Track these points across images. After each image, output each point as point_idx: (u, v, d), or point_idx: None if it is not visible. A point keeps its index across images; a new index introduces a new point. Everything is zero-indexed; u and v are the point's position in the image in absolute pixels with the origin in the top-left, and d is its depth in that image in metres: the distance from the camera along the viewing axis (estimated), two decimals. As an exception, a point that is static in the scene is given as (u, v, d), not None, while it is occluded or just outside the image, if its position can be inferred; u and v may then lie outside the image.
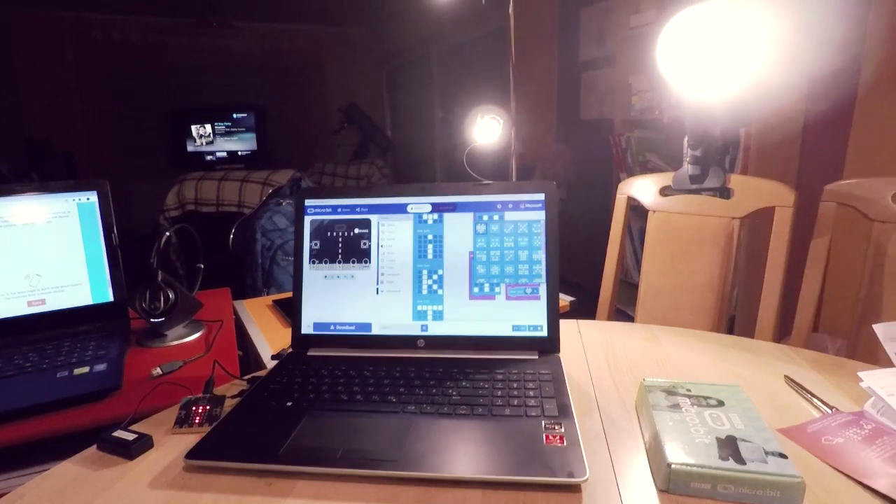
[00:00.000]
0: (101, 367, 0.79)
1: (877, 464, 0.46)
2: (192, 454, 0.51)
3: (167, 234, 0.92)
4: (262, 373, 0.70)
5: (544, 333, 0.69)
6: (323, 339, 0.73)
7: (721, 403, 0.53)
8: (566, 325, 0.84)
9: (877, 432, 0.50)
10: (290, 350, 0.73)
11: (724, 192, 1.04)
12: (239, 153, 4.98)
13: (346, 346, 0.72)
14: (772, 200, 0.97)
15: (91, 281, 0.95)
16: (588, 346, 0.77)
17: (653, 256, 1.12)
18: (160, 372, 0.79)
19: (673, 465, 0.44)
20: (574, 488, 0.45)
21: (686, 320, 1.06)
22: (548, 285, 0.70)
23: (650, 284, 1.12)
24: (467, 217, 0.72)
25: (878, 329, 0.58)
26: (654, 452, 0.48)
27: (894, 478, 0.44)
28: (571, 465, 0.46)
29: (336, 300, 0.73)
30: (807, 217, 0.98)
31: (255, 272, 1.84)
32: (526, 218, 0.71)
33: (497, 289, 0.70)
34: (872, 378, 0.55)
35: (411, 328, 0.71)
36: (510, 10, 1.48)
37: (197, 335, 0.96)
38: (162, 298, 0.90)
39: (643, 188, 1.14)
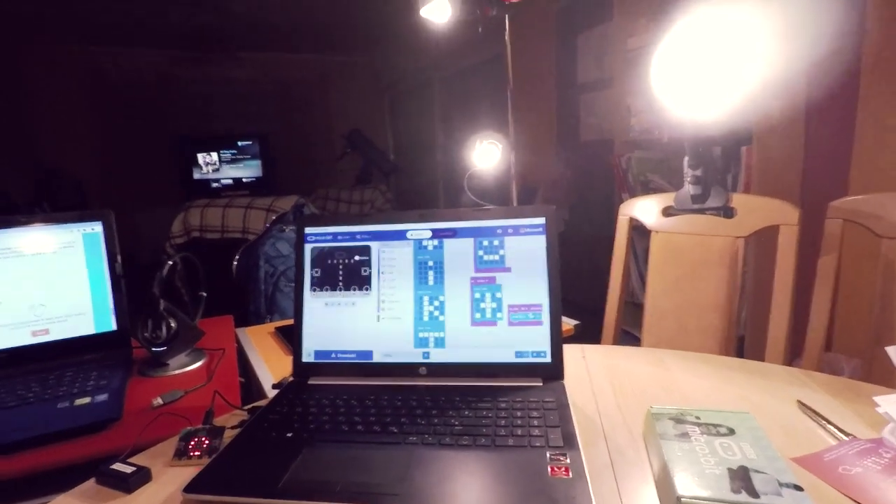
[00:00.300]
0: (102, 397, 0.78)
1: (896, 493, 0.44)
2: (190, 488, 0.50)
3: (169, 263, 0.92)
4: (262, 402, 0.69)
5: (548, 360, 0.68)
6: (324, 368, 0.72)
7: (731, 432, 0.51)
8: (570, 350, 0.83)
9: None
10: (291, 379, 0.72)
11: (726, 212, 1.04)
12: (244, 180, 5.04)
13: (347, 374, 0.71)
14: (776, 219, 0.96)
15: (94, 310, 0.95)
16: (593, 372, 0.75)
17: (657, 278, 1.11)
18: (161, 402, 0.78)
19: (683, 499, 0.42)
20: (581, 523, 0.44)
21: (693, 342, 1.04)
22: (550, 310, 0.69)
23: (655, 306, 1.11)
24: (467, 242, 0.72)
25: (892, 352, 0.56)
26: (663, 484, 0.46)
27: (914, 508, 0.42)
28: (577, 498, 0.45)
29: (337, 328, 0.72)
30: (814, 234, 0.97)
31: (258, 299, 1.84)
32: (527, 242, 0.71)
33: (499, 314, 0.70)
34: (890, 403, 0.53)
35: (413, 356, 0.70)
36: (506, 36, 1.50)
37: (199, 364, 0.95)
38: (164, 327, 0.89)
39: (645, 209, 1.14)
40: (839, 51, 1.46)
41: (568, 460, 0.50)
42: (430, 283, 0.72)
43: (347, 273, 0.74)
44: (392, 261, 0.73)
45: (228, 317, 1.22)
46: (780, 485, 0.43)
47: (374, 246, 0.74)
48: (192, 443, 0.59)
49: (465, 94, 4.07)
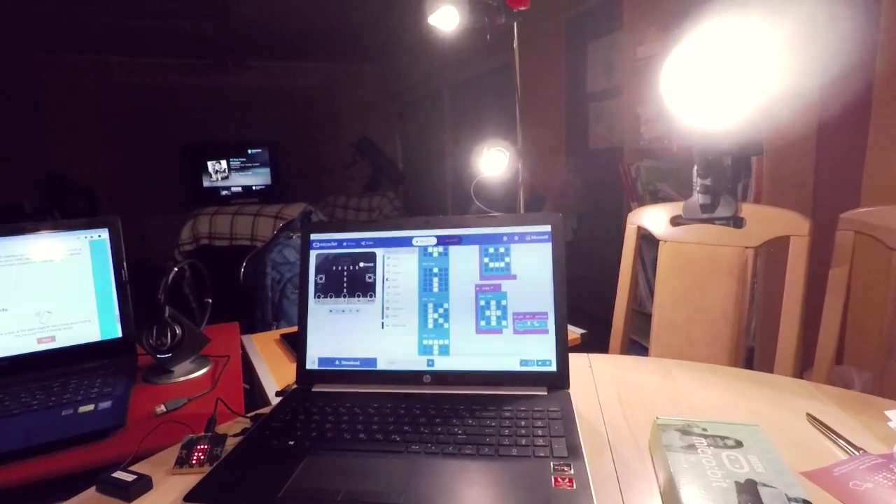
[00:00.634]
0: (105, 404, 0.78)
1: (909, 510, 0.43)
2: (190, 497, 0.50)
3: (175, 269, 0.92)
4: (265, 410, 0.68)
5: (553, 368, 0.67)
6: (327, 375, 0.71)
7: (739, 444, 0.50)
8: (577, 359, 0.82)
9: (908, 475, 0.47)
10: (295, 386, 0.72)
11: (736, 222, 1.02)
12: (253, 188, 5.08)
13: (350, 381, 0.71)
14: (786, 229, 0.95)
15: (100, 317, 0.96)
16: (599, 382, 0.74)
17: (665, 287, 1.10)
18: (164, 409, 0.78)
19: (689, 512, 0.41)
20: (584, 536, 0.43)
21: (701, 352, 1.03)
22: (556, 319, 0.68)
23: (663, 316, 1.10)
24: (473, 249, 0.72)
25: (903, 364, 0.55)
26: (669, 497, 0.45)
27: (929, 526, 0.41)
28: (581, 510, 0.44)
29: (341, 335, 0.72)
30: (825, 246, 0.95)
31: (264, 305, 1.85)
32: (532, 250, 0.70)
33: (504, 322, 0.69)
34: (900, 416, 0.52)
35: (417, 363, 0.70)
36: (515, 44, 1.50)
37: (204, 371, 0.95)
38: (169, 334, 0.89)
39: (654, 218, 1.13)
40: (852, 63, 1.45)
41: (572, 471, 0.49)
42: (435, 290, 0.71)
43: (352, 280, 0.73)
44: (397, 268, 0.73)
45: (234, 324, 1.22)
46: (789, 499, 0.42)
47: (379, 253, 0.74)
48: (194, 451, 0.58)
49: (473, 103, 4.09)
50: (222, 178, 4.99)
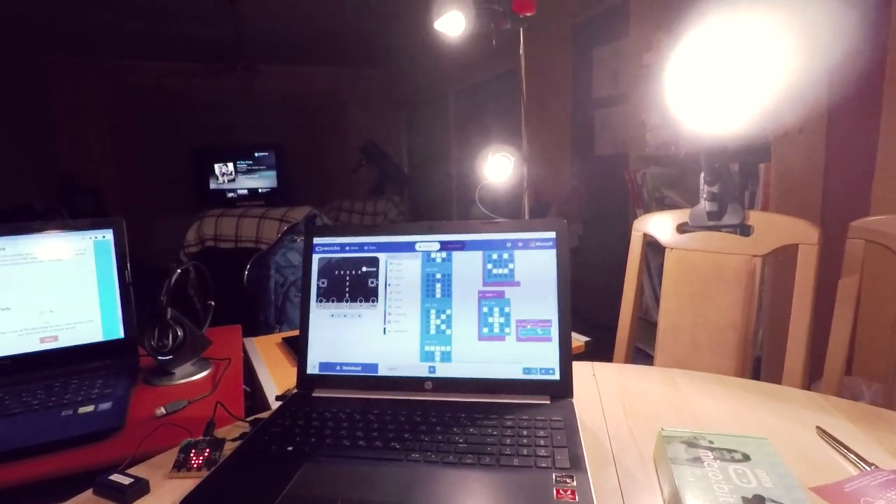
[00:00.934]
0: (105, 405, 0.78)
1: (923, 529, 0.42)
2: (187, 502, 0.49)
3: (178, 271, 0.92)
4: (264, 414, 0.68)
5: (556, 377, 0.66)
6: (328, 380, 0.71)
7: (747, 458, 0.49)
8: (581, 368, 0.81)
9: (921, 492, 0.46)
10: (295, 391, 0.71)
11: (743, 229, 1.01)
12: (259, 190, 5.10)
13: (351, 387, 0.70)
14: (794, 238, 0.93)
15: (103, 318, 0.96)
16: (603, 391, 0.73)
17: (671, 295, 1.09)
18: (164, 412, 0.78)
19: (694, 528, 0.40)
20: (587, 550, 0.42)
21: (707, 361, 1.01)
22: (560, 326, 0.67)
23: (669, 324, 1.08)
24: (476, 255, 0.71)
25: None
26: (674, 511, 0.44)
27: (944, 546, 0.40)
28: (584, 524, 0.43)
29: (342, 340, 0.71)
30: (835, 254, 0.94)
31: (267, 308, 1.84)
32: (536, 256, 0.69)
33: (507, 329, 0.68)
34: (912, 431, 0.51)
35: (418, 369, 0.69)
36: (521, 50, 1.50)
37: (205, 373, 0.94)
38: (170, 336, 0.89)
39: (659, 225, 1.12)
40: (861, 66, 1.43)
41: (574, 483, 0.48)
42: (438, 295, 0.71)
43: (354, 284, 0.73)
44: (400, 273, 0.72)
45: (237, 326, 1.22)
46: (799, 517, 0.40)
47: (382, 257, 0.73)
48: (192, 454, 0.58)
49: (480, 108, 4.09)
50: (229, 181, 5.01)
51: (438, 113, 4.76)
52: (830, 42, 1.40)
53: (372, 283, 0.72)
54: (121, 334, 0.97)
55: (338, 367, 0.71)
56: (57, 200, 3.99)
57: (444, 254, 0.72)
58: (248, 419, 0.68)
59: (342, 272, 0.73)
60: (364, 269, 0.73)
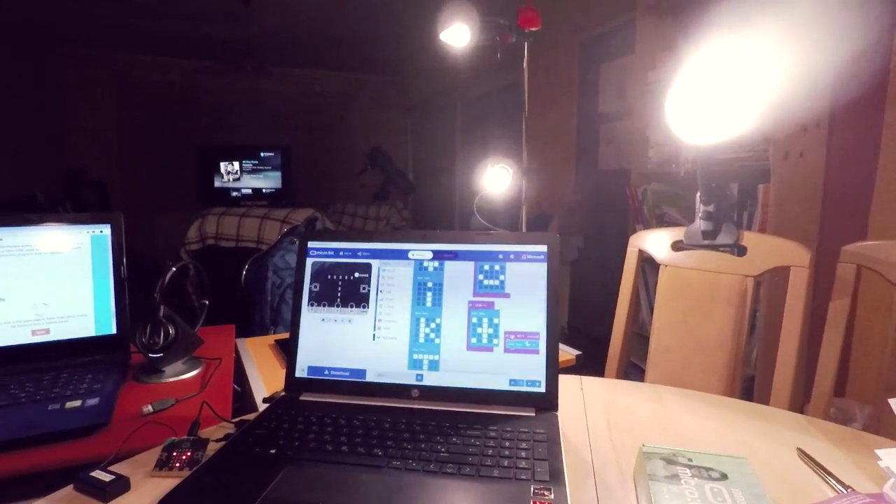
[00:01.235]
0: (93, 401, 0.78)
1: (895, 557, 0.42)
2: (166, 501, 0.49)
3: (173, 268, 0.93)
4: (250, 416, 0.68)
5: (542, 389, 0.66)
6: (316, 384, 0.71)
7: (724, 476, 0.49)
8: (568, 381, 0.81)
9: (896, 519, 0.46)
10: (283, 393, 0.72)
11: (738, 250, 1.01)
12: (264, 191, 5.12)
13: (339, 392, 0.70)
14: (787, 259, 0.94)
15: (96, 313, 0.96)
16: (589, 405, 0.73)
17: (664, 312, 1.09)
18: (151, 410, 0.78)
19: (666, 546, 0.40)
20: (559, 564, 0.42)
21: (697, 379, 1.01)
22: (548, 339, 0.67)
23: (660, 341, 1.08)
24: (468, 266, 0.71)
25: (894, 403, 0.54)
26: (648, 529, 0.44)
27: (915, 575, 0.40)
28: (557, 537, 0.43)
29: (332, 344, 0.72)
30: (831, 277, 0.94)
31: (263, 309, 1.85)
32: (527, 269, 0.70)
33: (495, 340, 0.69)
34: (892, 457, 0.51)
35: (406, 377, 0.69)
36: (524, 63, 1.51)
37: (194, 372, 0.95)
38: (162, 334, 0.90)
39: (655, 242, 1.12)
40: (861, 91, 1.44)
41: (552, 496, 0.48)
42: (428, 304, 0.71)
43: (346, 289, 0.73)
44: (392, 280, 0.73)
45: (230, 326, 1.22)
46: (771, 539, 0.41)
47: (375, 264, 0.74)
48: (175, 454, 0.58)
49: (486, 119, 4.11)
50: (234, 180, 5.04)
51: (445, 122, 4.79)
52: (831, 67, 1.41)
53: (364, 289, 0.73)
54: (113, 330, 0.97)
55: (326, 372, 0.71)
56: (62, 193, 4.02)
57: (436, 263, 0.72)
58: (234, 420, 0.68)
59: (335, 277, 0.74)
60: (357, 274, 0.74)
